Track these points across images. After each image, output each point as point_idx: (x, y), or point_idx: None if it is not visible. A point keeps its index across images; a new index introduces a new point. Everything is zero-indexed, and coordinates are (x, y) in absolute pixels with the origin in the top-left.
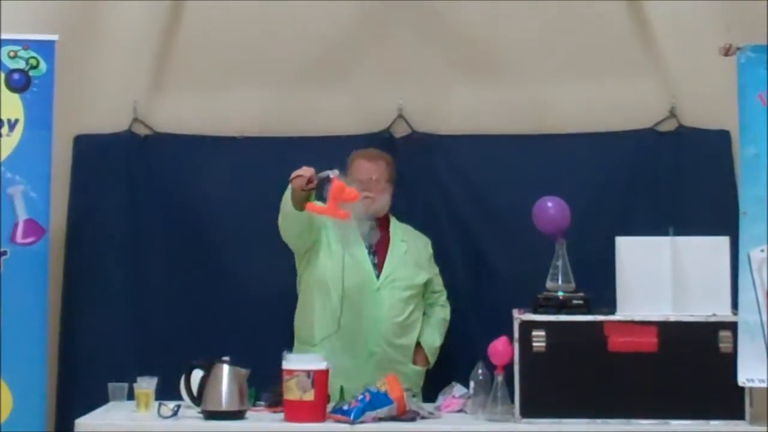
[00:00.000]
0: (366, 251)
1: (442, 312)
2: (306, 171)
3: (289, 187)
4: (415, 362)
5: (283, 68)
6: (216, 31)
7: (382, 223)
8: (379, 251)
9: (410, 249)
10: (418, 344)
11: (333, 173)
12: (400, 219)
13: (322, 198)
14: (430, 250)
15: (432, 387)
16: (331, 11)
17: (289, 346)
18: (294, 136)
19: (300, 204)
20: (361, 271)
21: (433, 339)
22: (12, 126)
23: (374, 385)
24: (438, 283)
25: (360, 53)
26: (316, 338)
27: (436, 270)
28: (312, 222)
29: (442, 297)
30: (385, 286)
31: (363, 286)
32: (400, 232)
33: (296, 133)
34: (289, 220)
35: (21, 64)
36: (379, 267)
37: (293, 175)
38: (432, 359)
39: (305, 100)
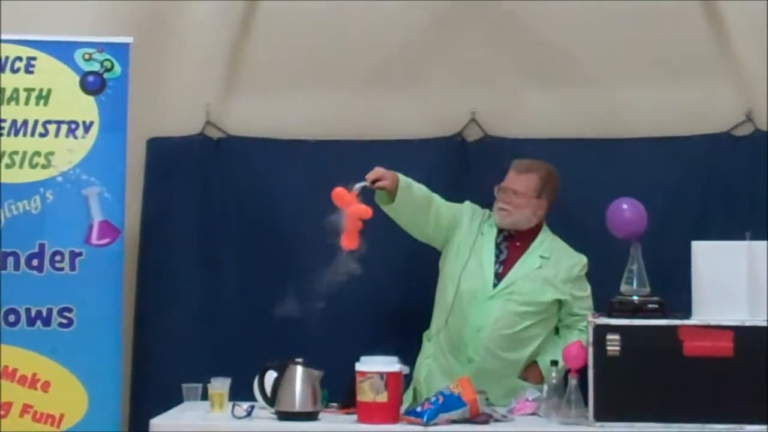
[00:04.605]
0: (493, 259)
1: (579, 336)
2: (372, 174)
3: None
4: (525, 378)
5: (356, 72)
6: (288, 34)
7: (525, 236)
8: (507, 262)
9: (547, 266)
10: (534, 362)
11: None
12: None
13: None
14: (577, 271)
15: None
16: (404, 15)
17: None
18: (366, 140)
19: (381, 200)
20: (478, 277)
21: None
22: (87, 128)
23: (449, 387)
24: (580, 307)
25: (432, 56)
26: (433, 331)
27: (584, 294)
28: (426, 214)
29: (582, 322)
30: (499, 296)
31: (476, 292)
32: (544, 248)
33: (368, 136)
34: (393, 215)
35: (96, 67)
36: (500, 277)
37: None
38: None
39: (377, 104)
